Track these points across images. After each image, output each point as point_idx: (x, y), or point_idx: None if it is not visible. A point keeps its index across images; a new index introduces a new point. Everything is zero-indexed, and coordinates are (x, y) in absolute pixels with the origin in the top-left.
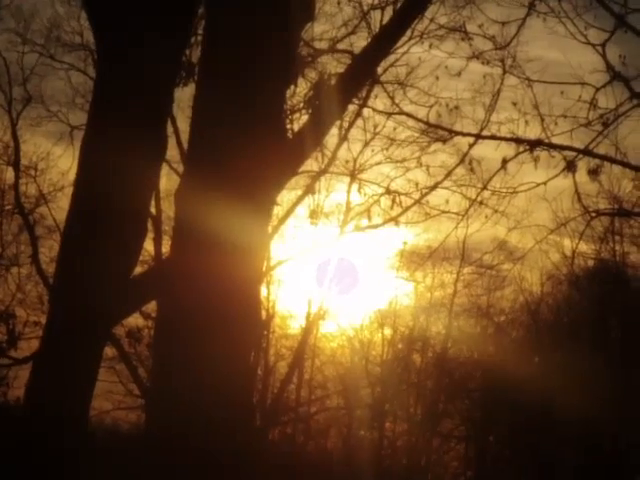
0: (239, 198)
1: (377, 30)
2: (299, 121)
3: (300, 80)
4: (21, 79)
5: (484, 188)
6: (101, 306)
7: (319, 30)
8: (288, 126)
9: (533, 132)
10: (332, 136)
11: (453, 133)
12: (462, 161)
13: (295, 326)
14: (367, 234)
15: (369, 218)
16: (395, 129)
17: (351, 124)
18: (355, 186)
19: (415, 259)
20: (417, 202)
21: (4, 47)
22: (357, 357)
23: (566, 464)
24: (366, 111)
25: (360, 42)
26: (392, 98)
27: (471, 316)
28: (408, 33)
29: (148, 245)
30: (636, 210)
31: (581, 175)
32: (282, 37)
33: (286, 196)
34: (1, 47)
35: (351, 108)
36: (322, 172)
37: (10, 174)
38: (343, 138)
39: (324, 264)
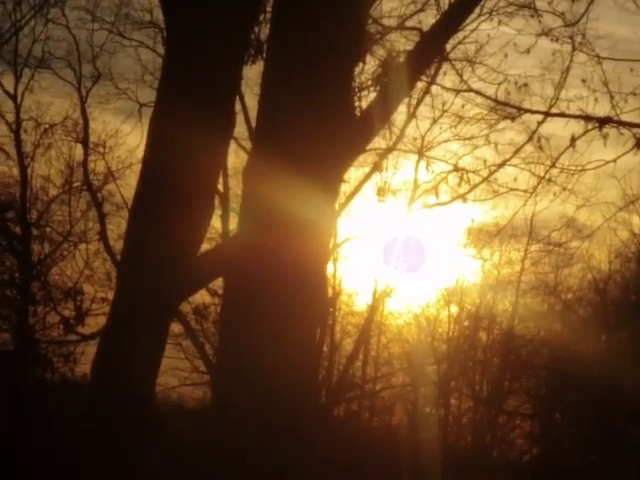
0: (307, 175)
1: (446, 7)
2: (367, 98)
3: (368, 58)
4: (90, 56)
5: (553, 166)
6: (168, 283)
7: (387, 7)
8: (356, 104)
9: (602, 109)
10: (400, 113)
11: (522, 110)
12: (531, 138)
13: (361, 303)
14: (435, 211)
15: (437, 195)
16: (463, 106)
17: (419, 101)
18: (423, 163)
19: (483, 236)
20: (485, 179)
21: (74, 25)
22: (423, 334)
23: (633, 442)
24: (434, 88)
25: (429, 19)
26: (460, 75)
27: (538, 294)
28: (477, 10)
29: (215, 222)
30: None
31: None
32: (350, 14)
33: (354, 173)
34: (71, 24)
35: (419, 85)
36: (390, 149)
37: (79, 151)
38: (411, 115)
39: (391, 242)
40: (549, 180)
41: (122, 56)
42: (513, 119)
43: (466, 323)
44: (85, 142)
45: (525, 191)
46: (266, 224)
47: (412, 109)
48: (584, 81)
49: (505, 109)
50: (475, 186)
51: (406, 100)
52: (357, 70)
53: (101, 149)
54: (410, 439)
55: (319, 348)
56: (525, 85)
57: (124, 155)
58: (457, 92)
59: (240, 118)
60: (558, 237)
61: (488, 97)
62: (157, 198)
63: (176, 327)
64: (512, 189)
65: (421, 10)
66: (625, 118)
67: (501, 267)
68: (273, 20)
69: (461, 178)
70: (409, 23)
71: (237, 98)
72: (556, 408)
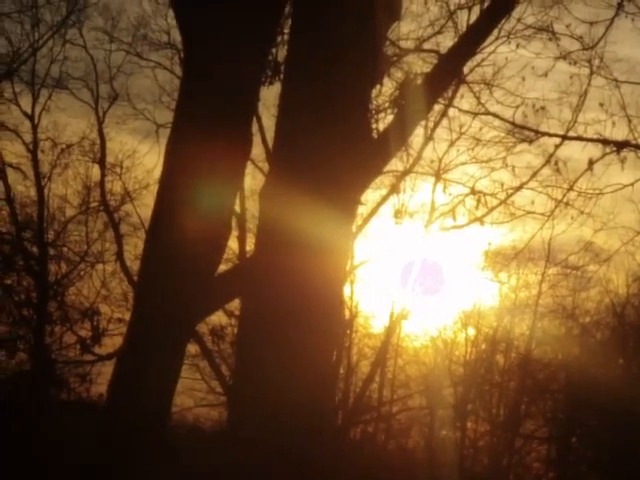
0: (324, 197)
1: (464, 30)
2: (384, 121)
3: (386, 80)
4: (108, 77)
5: (570, 189)
6: (185, 303)
7: (405, 30)
8: (373, 126)
9: (620, 133)
10: (417, 136)
11: (539, 134)
12: (548, 162)
13: (378, 325)
14: (452, 234)
15: (454, 218)
16: (481, 129)
17: (436, 124)
18: (440, 186)
19: (500, 259)
20: (502, 202)
21: (92, 45)
22: (440, 357)
23: None
24: (452, 111)
25: (446, 42)
26: (478, 98)
27: (556, 317)
28: (495, 33)
29: (232, 243)
30: None
31: None
32: (368, 37)
33: (371, 195)
34: (89, 45)
35: (437, 108)
36: (407, 172)
37: (96, 172)
38: (428, 138)
39: (408, 264)
40: (566, 203)
41: (139, 77)
42: (530, 142)
43: (483, 346)
44: (102, 162)
45: (542, 214)
46: (283, 245)
47: (429, 131)
48: (602, 104)
49: (522, 132)
50: (492, 209)
51: (423, 122)
52: (374, 92)
53: (118, 169)
54: (426, 462)
55: (335, 370)
56: (543, 108)
57: (141, 176)
58: (474, 115)
59: (257, 139)
60: (576, 260)
61: (505, 120)
62: (174, 218)
63: (193, 348)
64: (529, 212)
65: (439, 33)
66: None
67: (518, 290)
68: (291, 42)
69: (478, 201)
70: (427, 46)
71: (254, 119)
72: (573, 432)
